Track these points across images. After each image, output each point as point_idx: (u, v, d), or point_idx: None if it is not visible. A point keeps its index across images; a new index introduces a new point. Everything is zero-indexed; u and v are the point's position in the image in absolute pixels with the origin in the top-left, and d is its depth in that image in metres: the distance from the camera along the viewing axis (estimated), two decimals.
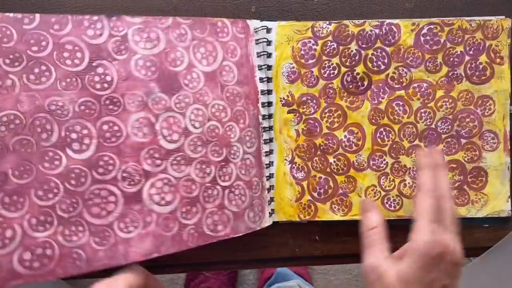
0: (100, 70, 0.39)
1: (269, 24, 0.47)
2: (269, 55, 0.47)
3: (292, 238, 0.49)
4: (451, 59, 0.47)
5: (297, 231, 0.49)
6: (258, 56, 0.46)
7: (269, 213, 0.47)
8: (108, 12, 0.46)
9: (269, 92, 0.47)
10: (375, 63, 0.47)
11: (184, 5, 0.47)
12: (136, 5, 0.46)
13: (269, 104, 0.47)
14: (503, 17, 0.48)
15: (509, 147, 0.48)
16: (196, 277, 1.06)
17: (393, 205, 0.48)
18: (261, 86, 0.47)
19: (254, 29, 0.46)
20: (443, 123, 0.47)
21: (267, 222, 0.46)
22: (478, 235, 0.50)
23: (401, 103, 0.47)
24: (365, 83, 0.47)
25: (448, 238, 0.34)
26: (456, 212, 0.40)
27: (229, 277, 1.09)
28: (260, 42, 0.46)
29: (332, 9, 0.49)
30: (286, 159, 0.48)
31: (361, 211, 0.41)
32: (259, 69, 0.46)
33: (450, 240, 0.34)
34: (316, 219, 0.48)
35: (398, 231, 0.39)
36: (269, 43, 0.47)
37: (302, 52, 0.47)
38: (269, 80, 0.47)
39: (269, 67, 0.47)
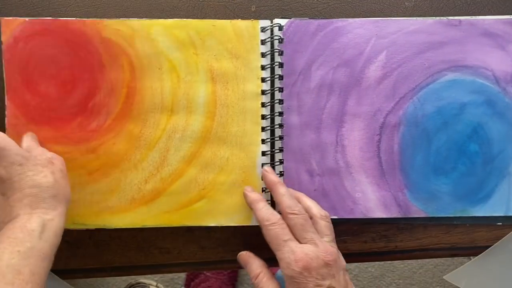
0: None
1: (282, 21, 0.48)
2: (281, 53, 0.48)
3: None
4: None
5: None
6: (263, 56, 0.49)
7: None
8: (109, 12, 0.50)
9: (280, 89, 0.49)
10: None
11: (184, 4, 0.50)
12: (136, 5, 0.50)
13: (280, 101, 0.49)
14: (508, 16, 0.49)
15: None
16: (197, 276, 1.09)
17: None
18: (264, 86, 0.49)
19: (262, 28, 0.48)
20: None
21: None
22: (478, 234, 0.51)
23: None
24: None
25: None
26: None
27: (230, 276, 1.11)
28: (267, 41, 0.48)
29: (332, 8, 0.50)
30: None
31: (243, 265, 0.48)
32: (263, 69, 0.49)
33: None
34: None
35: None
36: (281, 40, 0.48)
37: None
38: (280, 77, 0.49)
39: (281, 65, 0.49)
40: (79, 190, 0.48)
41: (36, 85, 0.47)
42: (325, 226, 0.44)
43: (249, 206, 0.47)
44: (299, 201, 0.46)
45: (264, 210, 0.44)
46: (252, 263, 0.47)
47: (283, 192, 0.45)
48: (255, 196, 0.46)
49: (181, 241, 0.51)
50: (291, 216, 0.43)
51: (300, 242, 0.43)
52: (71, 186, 0.45)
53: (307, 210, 0.45)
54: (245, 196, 0.47)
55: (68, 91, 0.47)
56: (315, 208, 0.45)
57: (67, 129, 0.48)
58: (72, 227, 0.48)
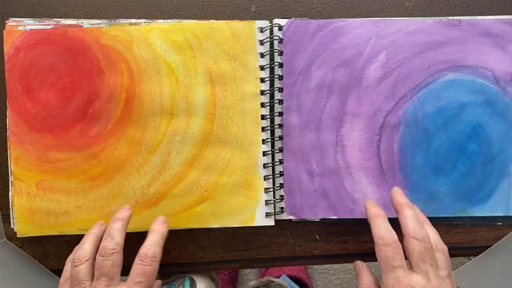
0: None
1: (281, 21, 0.49)
2: (280, 53, 0.49)
3: (292, 237, 0.52)
4: None
5: (297, 230, 0.52)
6: (262, 57, 0.49)
7: (277, 211, 0.50)
8: (109, 12, 0.50)
9: (280, 90, 0.49)
10: None
11: (184, 4, 0.51)
12: (137, 5, 0.51)
13: (280, 102, 0.49)
14: (508, 16, 0.49)
15: None
16: None
17: None
18: (264, 86, 0.49)
19: (260, 29, 0.49)
20: None
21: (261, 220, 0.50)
22: (478, 234, 0.52)
23: None
24: None
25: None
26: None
27: (230, 276, 1.12)
28: (266, 42, 0.49)
29: (332, 8, 0.51)
30: None
31: (356, 274, 0.46)
32: (262, 70, 0.49)
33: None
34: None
35: None
36: (281, 40, 0.49)
37: None
38: (280, 78, 0.49)
39: (280, 65, 0.49)
40: (83, 196, 0.48)
41: (37, 93, 0.48)
42: (442, 260, 0.41)
43: (368, 220, 0.44)
44: None
45: (382, 228, 0.41)
46: (364, 276, 0.45)
47: (409, 215, 0.42)
48: (376, 211, 0.43)
49: (181, 241, 0.51)
50: (412, 241, 0.40)
51: (413, 271, 0.40)
52: (74, 192, 0.48)
53: None
54: (365, 208, 0.44)
55: (68, 98, 0.48)
56: (434, 238, 0.42)
57: (68, 136, 0.48)
58: (77, 233, 0.48)
